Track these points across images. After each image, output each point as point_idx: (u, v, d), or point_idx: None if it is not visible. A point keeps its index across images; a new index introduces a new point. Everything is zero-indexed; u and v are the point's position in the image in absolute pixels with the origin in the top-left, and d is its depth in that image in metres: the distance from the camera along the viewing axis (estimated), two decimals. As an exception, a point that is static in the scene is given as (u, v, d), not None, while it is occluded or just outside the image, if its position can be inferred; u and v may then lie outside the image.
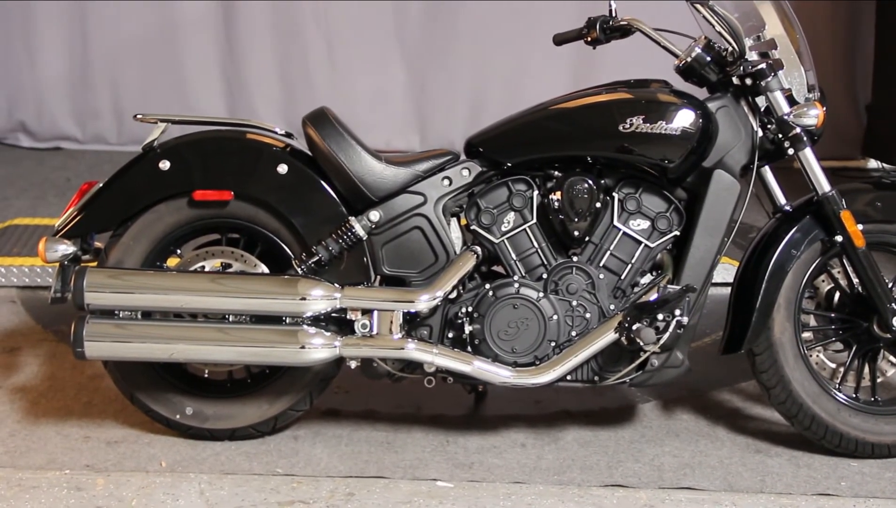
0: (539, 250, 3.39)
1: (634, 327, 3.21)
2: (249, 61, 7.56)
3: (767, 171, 3.47)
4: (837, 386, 3.44)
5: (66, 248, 3.34)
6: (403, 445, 3.50)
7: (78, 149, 7.32)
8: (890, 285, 3.41)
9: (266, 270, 3.42)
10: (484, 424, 3.64)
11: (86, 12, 7.57)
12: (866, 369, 3.48)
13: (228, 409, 3.46)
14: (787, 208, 3.45)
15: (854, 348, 3.45)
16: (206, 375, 3.50)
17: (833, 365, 3.50)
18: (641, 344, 3.19)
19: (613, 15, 3.49)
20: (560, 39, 3.65)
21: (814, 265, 3.41)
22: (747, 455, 3.45)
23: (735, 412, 3.75)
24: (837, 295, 3.48)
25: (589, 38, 3.55)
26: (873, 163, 7.72)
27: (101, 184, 3.42)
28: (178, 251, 3.48)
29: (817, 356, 3.50)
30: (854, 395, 3.45)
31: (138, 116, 3.47)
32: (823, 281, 3.49)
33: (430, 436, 3.55)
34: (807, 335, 3.48)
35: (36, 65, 7.65)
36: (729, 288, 3.45)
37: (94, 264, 3.42)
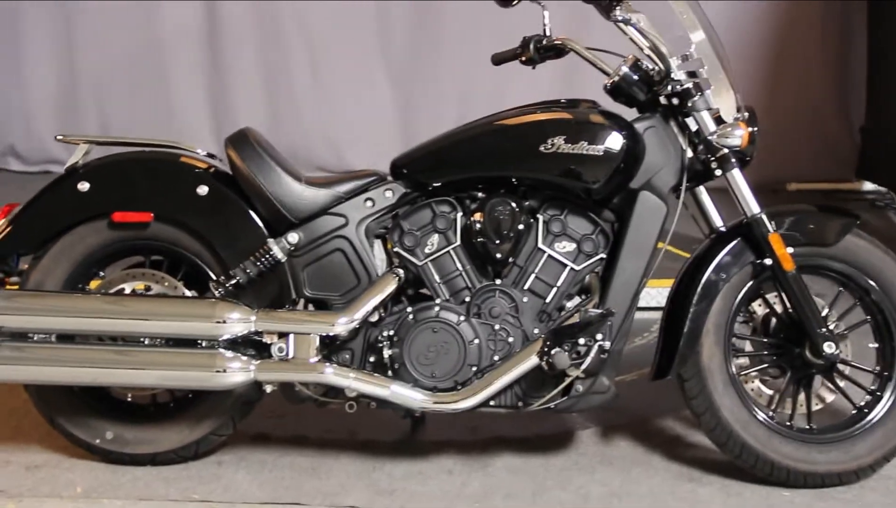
0: (463, 273, 3.33)
1: (553, 352, 3.14)
2: (235, 81, 7.59)
3: (702, 192, 3.40)
4: (771, 413, 3.35)
5: (-20, 271, 3.31)
6: (329, 471, 3.44)
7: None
8: (826, 310, 3.33)
9: (187, 293, 3.37)
10: (415, 450, 3.58)
11: (71, 36, 7.65)
12: (802, 396, 3.39)
13: (149, 434, 3.41)
14: (721, 230, 3.37)
15: (788, 374, 3.37)
16: (129, 399, 3.45)
17: (770, 392, 3.42)
18: (557, 368, 3.12)
19: (547, 34, 3.44)
20: (497, 59, 3.60)
21: (745, 289, 3.33)
22: (679, 483, 3.36)
23: (675, 440, 3.66)
24: (774, 320, 3.39)
25: (524, 58, 3.50)
26: (868, 186, 7.63)
27: (21, 206, 3.39)
28: (102, 273, 3.44)
29: (753, 383, 3.41)
30: (788, 423, 3.35)
31: (59, 137, 3.45)
32: (760, 305, 3.41)
33: (357, 462, 3.49)
34: (742, 361, 3.40)
35: (23, 88, 7.71)
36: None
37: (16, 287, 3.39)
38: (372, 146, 7.32)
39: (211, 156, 3.43)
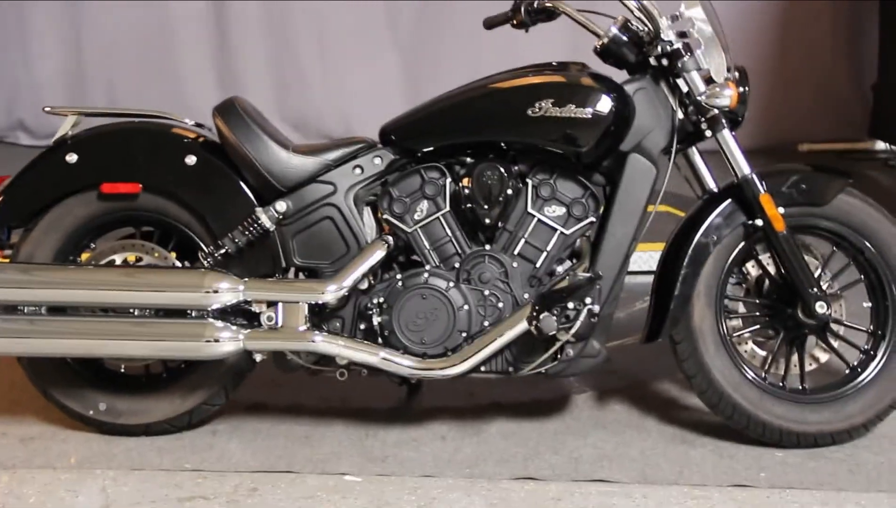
0: (453, 239, 3.31)
1: (541, 316, 3.13)
2: (242, 57, 7.57)
3: (695, 154, 3.38)
4: (764, 374, 3.33)
5: (-32, 244, 3.31)
6: (321, 439, 3.44)
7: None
8: (818, 270, 3.30)
9: (177, 263, 3.37)
10: (409, 417, 3.58)
11: (81, 11, 7.62)
12: (796, 357, 3.37)
13: (142, 404, 3.42)
14: (713, 192, 3.34)
15: (781, 335, 3.35)
16: (122, 370, 3.46)
17: (763, 353, 3.40)
18: (545, 333, 3.11)
19: None
20: (489, 23, 3.60)
21: (736, 250, 3.31)
22: (671, 445, 3.36)
23: (671, 402, 3.66)
24: (767, 281, 3.37)
25: (515, 22, 3.47)
26: (880, 145, 7.56)
27: (10, 179, 3.39)
28: (93, 245, 3.44)
29: (747, 344, 3.39)
30: (780, 384, 3.34)
31: (46, 109, 3.45)
32: (753, 266, 3.38)
33: (350, 430, 3.49)
34: (735, 322, 3.39)
35: (32, 63, 7.74)
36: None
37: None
38: (380, 116, 7.23)
39: (199, 125, 3.42)
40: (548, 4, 3.39)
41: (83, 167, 3.33)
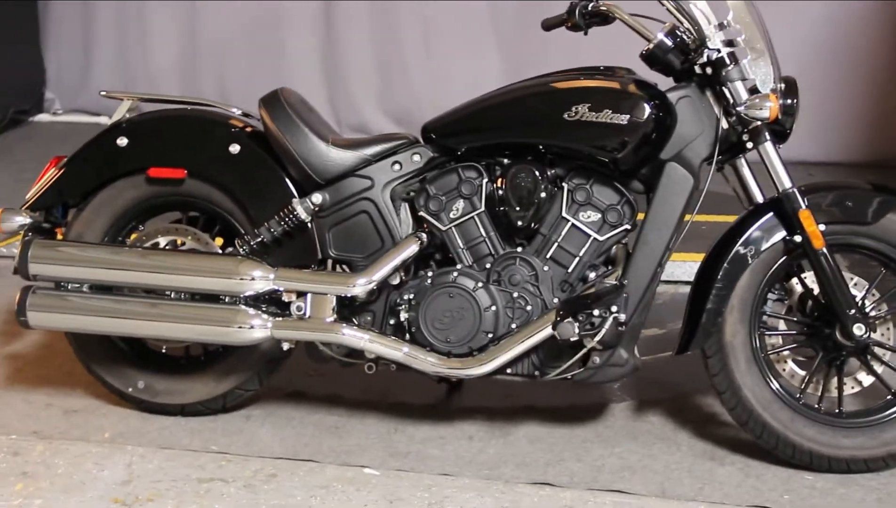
0: (487, 239, 3.31)
1: (563, 321, 3.10)
2: (347, 50, 7.66)
3: (743, 165, 3.29)
4: (798, 395, 3.24)
5: (23, 220, 3.43)
6: (351, 430, 3.47)
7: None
8: (864, 291, 3.20)
9: (217, 249, 3.44)
10: (441, 415, 3.58)
11: (195, 6, 7.84)
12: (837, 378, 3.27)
13: (179, 385, 3.50)
14: (757, 204, 3.27)
15: (820, 356, 3.25)
16: (163, 351, 3.55)
17: (803, 373, 3.31)
18: (563, 338, 3.08)
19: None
20: (547, 25, 3.57)
21: (776, 265, 3.23)
22: (699, 461, 3.29)
23: (708, 417, 3.58)
24: (810, 300, 3.28)
25: (569, 24, 3.44)
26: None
27: (66, 159, 3.50)
28: (142, 227, 3.54)
29: (786, 363, 3.31)
30: (816, 405, 3.25)
31: (103, 93, 3.55)
32: (797, 283, 3.30)
33: (381, 423, 3.52)
34: (774, 340, 3.30)
35: (149, 54, 7.96)
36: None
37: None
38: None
39: (246, 115, 3.48)
40: (602, 7, 3.35)
41: (133, 151, 3.43)
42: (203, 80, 7.86)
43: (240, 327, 3.26)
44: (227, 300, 3.32)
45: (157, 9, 7.89)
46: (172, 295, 3.37)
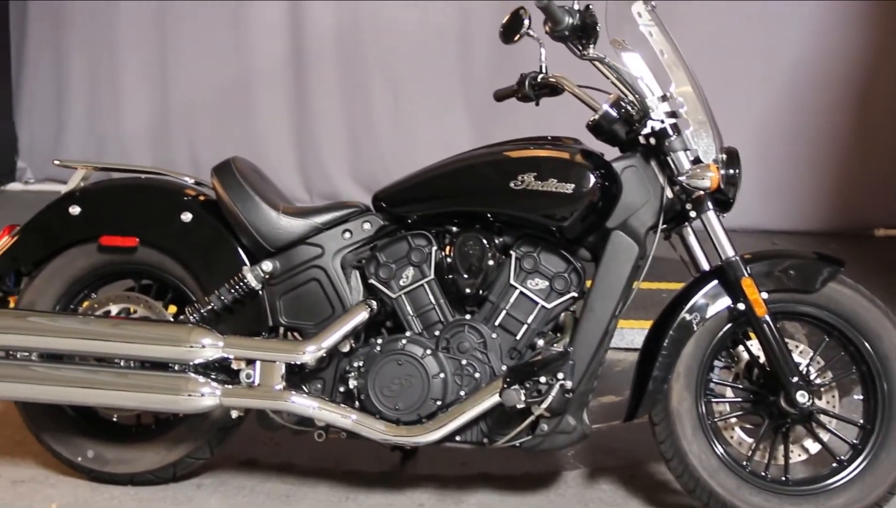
0: (436, 307, 3.33)
1: (507, 389, 3.12)
2: (318, 114, 7.75)
3: (689, 233, 3.33)
4: (745, 462, 3.26)
5: (-27, 287, 3.44)
6: (302, 499, 3.47)
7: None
8: (808, 359, 3.24)
9: (168, 317, 3.45)
10: (394, 483, 3.58)
11: (165, 71, 7.96)
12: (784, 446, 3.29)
13: (129, 454, 3.49)
14: (702, 272, 3.31)
15: (766, 423, 3.27)
16: (115, 419, 3.54)
17: (750, 440, 3.33)
18: (508, 406, 3.10)
19: (543, 71, 3.42)
20: (498, 95, 3.62)
21: (721, 333, 3.26)
22: (648, 529, 3.30)
23: (659, 485, 3.59)
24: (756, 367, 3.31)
25: (519, 95, 3.50)
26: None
27: (19, 227, 3.52)
28: (94, 295, 3.55)
29: (734, 430, 3.33)
30: (763, 473, 3.26)
31: (56, 162, 3.59)
32: (743, 351, 3.33)
33: (332, 492, 3.51)
34: (721, 407, 3.33)
35: (121, 122, 8.05)
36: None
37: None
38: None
39: (200, 184, 3.51)
40: (550, 79, 3.40)
41: (85, 219, 3.45)
42: (174, 147, 7.94)
43: (189, 395, 3.26)
44: (176, 368, 3.32)
45: (129, 76, 7.99)
46: (123, 363, 3.36)
